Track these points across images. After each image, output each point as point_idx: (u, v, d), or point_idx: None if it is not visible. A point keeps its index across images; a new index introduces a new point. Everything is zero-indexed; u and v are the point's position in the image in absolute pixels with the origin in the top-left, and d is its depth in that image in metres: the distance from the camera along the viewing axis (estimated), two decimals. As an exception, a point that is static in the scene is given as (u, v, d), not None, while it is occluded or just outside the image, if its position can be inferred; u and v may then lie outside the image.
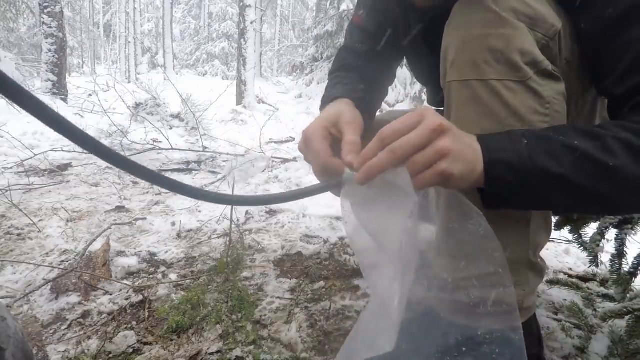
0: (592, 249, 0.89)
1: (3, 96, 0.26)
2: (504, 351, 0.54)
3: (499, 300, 0.53)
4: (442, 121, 0.47)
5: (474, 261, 0.54)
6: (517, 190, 0.51)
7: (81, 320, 0.98)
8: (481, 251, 0.52)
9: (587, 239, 0.95)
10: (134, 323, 0.97)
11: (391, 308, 0.47)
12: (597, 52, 0.58)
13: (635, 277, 0.86)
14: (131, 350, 0.87)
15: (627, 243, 0.87)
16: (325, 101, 0.78)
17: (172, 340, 0.91)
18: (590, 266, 0.92)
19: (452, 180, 0.48)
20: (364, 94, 0.80)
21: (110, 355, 0.85)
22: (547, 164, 0.49)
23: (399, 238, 0.48)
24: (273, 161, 2.88)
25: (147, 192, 2.13)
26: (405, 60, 1.05)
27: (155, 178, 0.43)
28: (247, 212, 1.78)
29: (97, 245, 1.33)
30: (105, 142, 3.49)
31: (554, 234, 1.02)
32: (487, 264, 0.52)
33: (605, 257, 0.94)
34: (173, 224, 1.61)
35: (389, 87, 1.03)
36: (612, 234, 0.91)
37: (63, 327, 0.95)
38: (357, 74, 0.89)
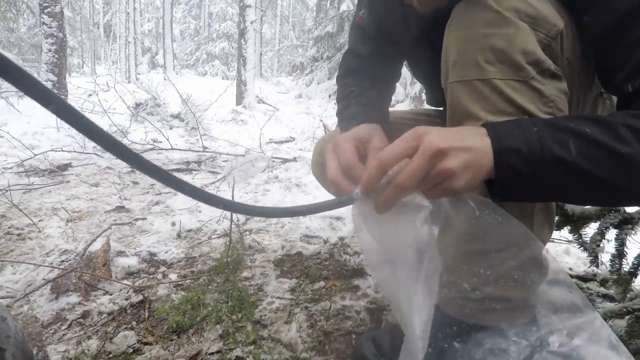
0: (592, 249, 0.89)
1: (8, 82, 0.26)
2: None
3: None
4: (440, 143, 0.47)
5: (507, 251, 0.55)
6: (527, 179, 0.50)
7: (81, 320, 0.98)
8: (510, 238, 0.52)
9: (587, 239, 0.95)
10: (134, 323, 0.97)
11: (414, 340, 0.47)
12: (606, 49, 0.58)
13: (635, 277, 0.86)
14: (131, 350, 0.87)
15: (627, 243, 0.87)
16: (348, 121, 0.80)
17: (172, 340, 0.91)
18: (590, 266, 0.92)
19: (461, 191, 0.50)
20: (380, 101, 0.85)
21: (110, 355, 0.85)
22: (558, 152, 0.48)
23: (414, 251, 0.48)
24: (273, 161, 2.88)
25: (147, 192, 2.13)
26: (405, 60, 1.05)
27: (177, 183, 0.42)
28: (247, 212, 1.77)
29: (97, 245, 1.33)
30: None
31: (554, 234, 1.02)
32: (520, 250, 0.52)
33: (605, 257, 0.94)
34: (173, 224, 1.61)
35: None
36: (612, 234, 0.91)
37: (63, 327, 0.95)
38: (366, 79, 0.91)
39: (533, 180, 0.50)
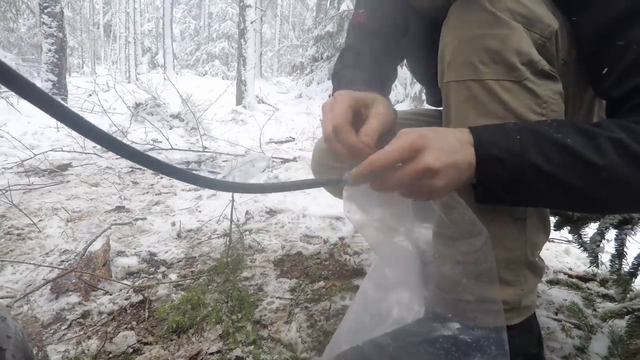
0: (592, 249, 0.89)
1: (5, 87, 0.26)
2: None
3: (482, 276, 0.57)
4: (434, 164, 0.49)
5: (459, 240, 0.59)
6: (507, 185, 0.52)
7: (81, 320, 0.98)
8: (465, 233, 0.56)
9: (587, 239, 0.95)
10: (134, 323, 0.97)
11: (414, 278, 0.53)
12: (595, 53, 0.58)
13: (635, 277, 0.86)
14: (131, 350, 0.87)
15: (627, 243, 0.88)
16: (344, 84, 0.77)
17: (172, 340, 0.91)
18: (590, 266, 0.92)
19: (437, 198, 0.55)
20: (382, 79, 0.87)
21: (110, 355, 0.85)
22: (537, 162, 0.50)
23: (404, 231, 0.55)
24: (273, 161, 2.88)
25: (147, 192, 2.13)
26: (405, 60, 1.05)
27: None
28: (247, 212, 1.78)
29: (97, 245, 1.33)
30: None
31: (554, 234, 1.02)
32: (471, 243, 0.56)
33: (605, 257, 0.94)
34: (173, 224, 1.61)
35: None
36: (612, 234, 0.91)
37: (63, 327, 0.95)
38: (363, 69, 0.88)
39: (512, 186, 0.52)
